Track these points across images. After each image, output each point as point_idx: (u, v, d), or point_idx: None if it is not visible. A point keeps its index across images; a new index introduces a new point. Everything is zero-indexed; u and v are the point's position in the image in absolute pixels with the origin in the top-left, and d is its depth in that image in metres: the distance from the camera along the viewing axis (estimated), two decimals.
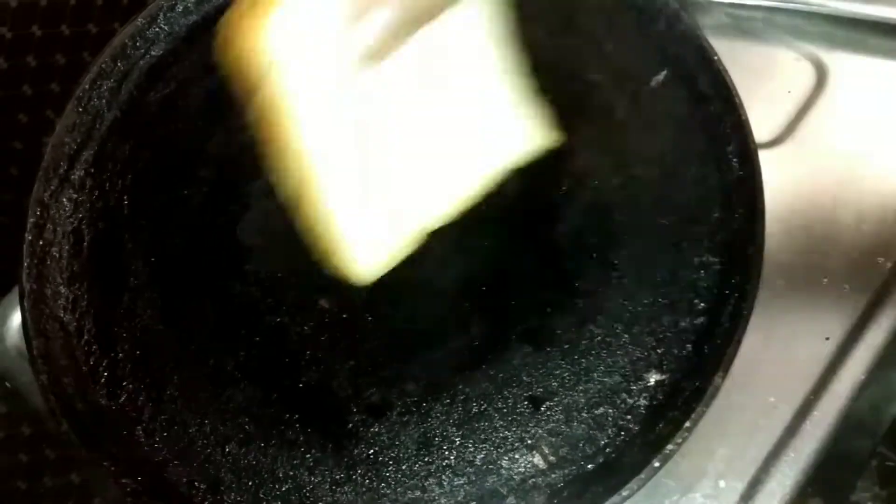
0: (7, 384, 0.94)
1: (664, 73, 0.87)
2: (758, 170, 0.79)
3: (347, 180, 0.71)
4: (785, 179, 0.90)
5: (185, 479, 0.78)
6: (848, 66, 0.96)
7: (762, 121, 0.92)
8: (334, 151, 0.70)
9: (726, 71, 0.84)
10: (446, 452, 0.77)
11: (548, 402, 0.77)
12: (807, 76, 0.96)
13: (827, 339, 0.84)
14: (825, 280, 0.86)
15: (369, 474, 0.76)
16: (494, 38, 0.74)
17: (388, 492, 0.76)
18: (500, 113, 0.74)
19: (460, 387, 0.78)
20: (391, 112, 0.71)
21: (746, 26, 0.99)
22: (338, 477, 0.76)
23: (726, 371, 0.73)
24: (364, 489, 0.76)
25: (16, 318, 0.95)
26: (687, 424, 0.71)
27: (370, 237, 0.73)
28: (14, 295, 0.97)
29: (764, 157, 0.81)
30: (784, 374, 0.83)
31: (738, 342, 0.73)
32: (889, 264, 0.86)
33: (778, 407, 0.82)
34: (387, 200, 0.73)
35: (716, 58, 0.84)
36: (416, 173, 0.73)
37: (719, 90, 0.84)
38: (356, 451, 0.77)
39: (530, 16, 0.88)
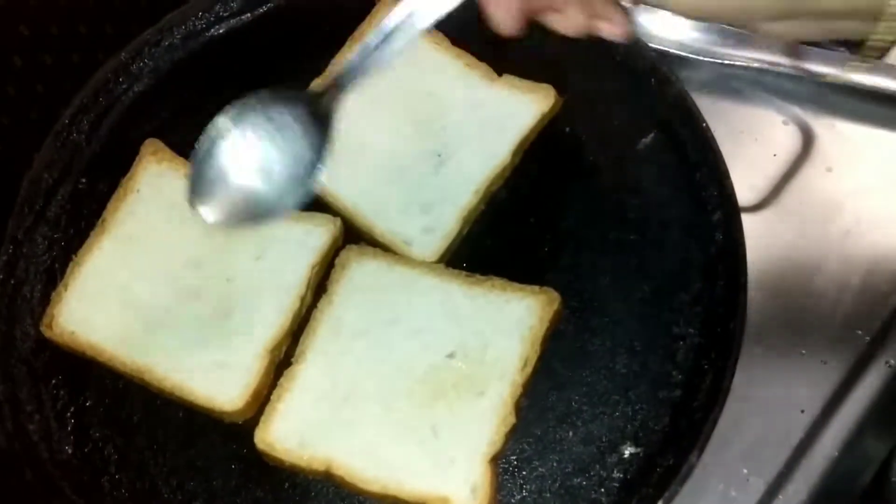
0: None
1: (652, 135, 0.87)
2: (742, 243, 0.79)
3: None
4: (766, 245, 0.89)
5: None
6: (836, 132, 0.95)
7: (745, 183, 0.92)
8: None
9: (714, 138, 0.83)
10: None
11: (520, 471, 0.76)
12: (793, 140, 0.95)
13: (802, 411, 0.83)
14: (803, 352, 0.85)
15: None
16: None
17: None
18: None
19: None
20: None
21: (734, 85, 0.98)
22: None
23: (702, 450, 0.72)
24: None
25: None
26: (660, 503, 0.71)
27: None
28: None
29: (746, 221, 0.80)
30: (758, 445, 0.82)
31: (714, 421, 0.73)
32: (868, 337, 0.86)
33: (751, 480, 0.81)
34: None
35: (704, 124, 0.83)
36: None
37: (707, 156, 0.83)
38: None
39: (521, 74, 0.88)
